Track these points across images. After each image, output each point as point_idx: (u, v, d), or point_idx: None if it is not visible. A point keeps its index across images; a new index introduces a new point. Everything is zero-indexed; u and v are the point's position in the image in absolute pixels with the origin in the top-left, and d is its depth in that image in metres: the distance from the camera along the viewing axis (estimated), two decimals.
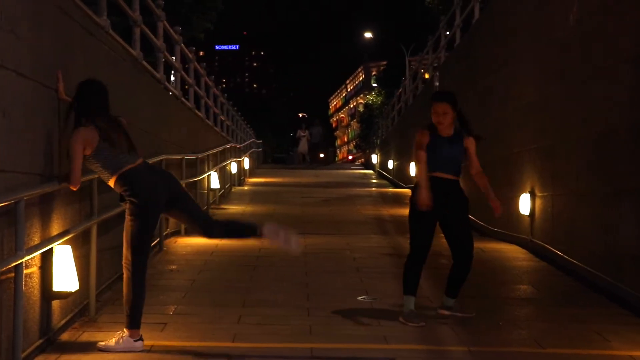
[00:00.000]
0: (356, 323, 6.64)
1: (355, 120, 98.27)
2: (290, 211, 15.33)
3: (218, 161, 17.10)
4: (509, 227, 11.55)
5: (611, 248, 8.01)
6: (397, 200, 18.13)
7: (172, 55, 13.45)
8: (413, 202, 6.75)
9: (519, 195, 10.85)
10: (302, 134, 36.11)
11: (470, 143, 6.90)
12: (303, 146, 36.12)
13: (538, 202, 10.43)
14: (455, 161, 6.81)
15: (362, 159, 49.10)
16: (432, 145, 6.75)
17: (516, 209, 11.05)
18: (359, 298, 7.64)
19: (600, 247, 8.27)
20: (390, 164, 26.81)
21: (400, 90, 27.10)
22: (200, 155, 13.59)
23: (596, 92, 8.54)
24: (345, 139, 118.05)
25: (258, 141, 37.94)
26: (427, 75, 22.29)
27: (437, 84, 18.61)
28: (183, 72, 14.07)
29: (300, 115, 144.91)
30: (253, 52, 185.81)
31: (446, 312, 6.93)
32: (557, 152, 9.71)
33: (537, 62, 10.53)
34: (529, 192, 10.63)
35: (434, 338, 6.25)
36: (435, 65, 19.29)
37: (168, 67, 13.10)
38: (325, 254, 10.34)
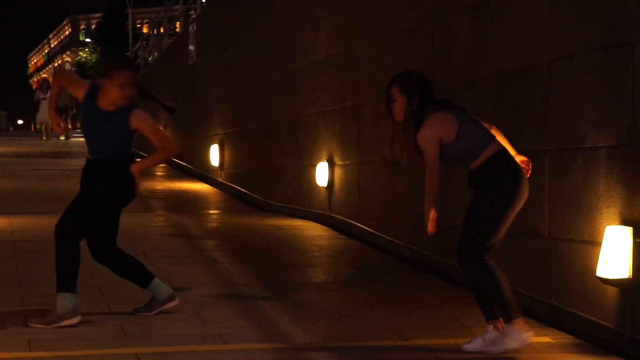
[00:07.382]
0: (175, 320, 6.06)
1: None
2: (25, 187, 14.22)
3: None
4: (299, 201, 11.30)
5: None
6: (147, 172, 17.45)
7: None
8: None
9: (314, 165, 10.58)
10: (43, 96, 27.23)
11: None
12: (44, 114, 25.73)
13: (338, 171, 10.21)
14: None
15: None
16: None
17: (309, 180, 10.81)
18: None
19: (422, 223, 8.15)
20: None
21: (138, 44, 26.31)
22: None
23: (418, 45, 8.42)
24: None
25: None
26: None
27: (191, 40, 18.09)
28: None
29: None
30: None
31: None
32: (366, 113, 9.50)
33: (338, 7, 10.27)
34: (327, 161, 10.38)
35: (276, 335, 5.82)
36: (192, 15, 18.72)
37: None
38: None
